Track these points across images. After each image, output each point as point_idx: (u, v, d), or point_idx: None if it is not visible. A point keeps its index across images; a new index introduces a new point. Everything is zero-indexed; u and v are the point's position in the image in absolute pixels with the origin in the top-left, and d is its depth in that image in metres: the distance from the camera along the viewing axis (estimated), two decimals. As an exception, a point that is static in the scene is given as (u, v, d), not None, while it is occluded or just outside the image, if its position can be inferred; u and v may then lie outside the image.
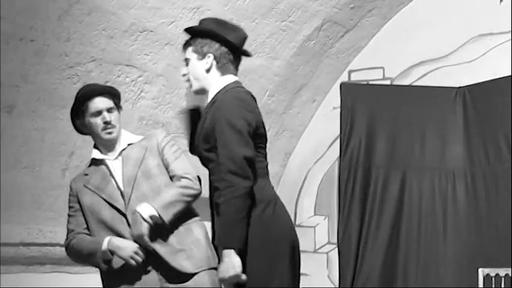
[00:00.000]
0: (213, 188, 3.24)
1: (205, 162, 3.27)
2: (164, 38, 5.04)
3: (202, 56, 3.29)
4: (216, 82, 3.29)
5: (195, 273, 3.46)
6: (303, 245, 6.30)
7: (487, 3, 5.79)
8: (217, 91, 3.27)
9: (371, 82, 6.21)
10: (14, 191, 4.67)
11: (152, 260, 3.45)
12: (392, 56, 6.16)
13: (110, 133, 3.55)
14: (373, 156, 5.63)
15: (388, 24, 6.23)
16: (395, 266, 5.56)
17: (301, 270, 6.61)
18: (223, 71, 3.31)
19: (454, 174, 5.57)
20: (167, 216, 3.42)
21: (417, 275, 5.54)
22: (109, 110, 3.55)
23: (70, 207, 3.70)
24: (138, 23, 4.85)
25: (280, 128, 6.28)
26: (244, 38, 3.41)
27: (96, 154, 3.63)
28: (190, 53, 3.33)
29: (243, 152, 3.07)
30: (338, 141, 5.68)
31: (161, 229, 3.45)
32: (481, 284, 4.90)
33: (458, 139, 5.57)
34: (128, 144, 3.61)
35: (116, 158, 3.59)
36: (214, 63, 3.29)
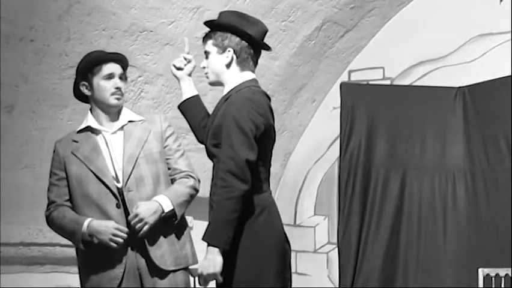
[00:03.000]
0: (211, 184, 3.24)
1: (210, 156, 3.26)
2: (164, 38, 5.04)
3: (223, 50, 3.26)
4: (233, 77, 3.25)
5: (172, 271, 3.43)
6: (303, 245, 6.37)
7: (487, 3, 5.79)
8: (233, 87, 3.23)
9: (371, 82, 6.22)
10: (14, 191, 4.68)
11: (135, 246, 3.40)
12: (392, 56, 6.16)
13: (118, 99, 3.50)
14: (373, 156, 5.63)
15: (388, 24, 6.23)
16: (395, 266, 5.56)
17: (301, 270, 6.63)
18: (242, 66, 3.27)
19: (454, 174, 5.57)
20: (179, 214, 3.42)
21: (417, 275, 5.54)
22: (120, 77, 3.52)
23: (53, 173, 3.54)
24: (138, 23, 4.85)
25: (280, 128, 6.28)
26: (265, 31, 3.39)
27: (93, 123, 3.53)
28: (210, 46, 3.29)
29: (246, 154, 3.05)
30: (338, 141, 5.68)
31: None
32: (481, 284, 4.90)
33: (458, 139, 5.57)
34: (129, 121, 3.56)
35: (115, 132, 3.52)
36: (235, 57, 3.25)
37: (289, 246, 3.34)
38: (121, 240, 3.34)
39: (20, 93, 4.51)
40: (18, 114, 4.56)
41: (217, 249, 3.02)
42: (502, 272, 4.96)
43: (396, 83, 6.15)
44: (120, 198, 3.42)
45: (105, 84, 3.49)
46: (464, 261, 5.39)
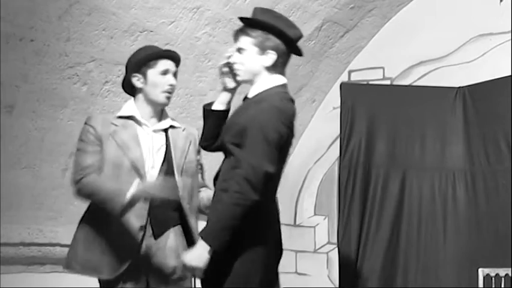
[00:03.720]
0: (220, 178, 3.20)
1: (225, 151, 3.21)
2: (164, 38, 5.04)
3: (263, 50, 3.20)
4: (266, 79, 3.21)
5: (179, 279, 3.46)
6: (303, 245, 6.37)
7: (487, 3, 5.79)
8: (263, 90, 3.19)
9: (371, 82, 6.22)
10: (14, 191, 4.67)
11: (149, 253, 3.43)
12: (392, 56, 6.16)
13: (168, 98, 3.52)
14: (373, 156, 5.63)
15: (388, 24, 6.23)
16: (395, 266, 5.56)
17: (301, 270, 6.62)
18: (276, 69, 3.23)
19: (454, 175, 5.57)
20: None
21: (417, 275, 5.53)
22: (174, 75, 3.55)
23: (85, 142, 3.48)
24: (138, 23, 4.85)
25: (280, 128, 6.28)
26: (301, 36, 3.32)
27: (137, 114, 3.52)
28: (248, 44, 3.20)
29: (267, 167, 3.03)
30: (338, 141, 5.68)
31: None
32: (481, 284, 4.90)
33: (458, 139, 5.57)
34: (171, 126, 3.57)
35: (156, 131, 3.54)
36: (275, 60, 3.21)
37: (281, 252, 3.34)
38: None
39: (20, 93, 4.51)
40: (18, 114, 4.55)
41: (209, 248, 3.01)
42: (502, 272, 4.96)
43: (396, 83, 6.15)
44: None
45: (159, 79, 3.51)
46: (464, 261, 5.39)
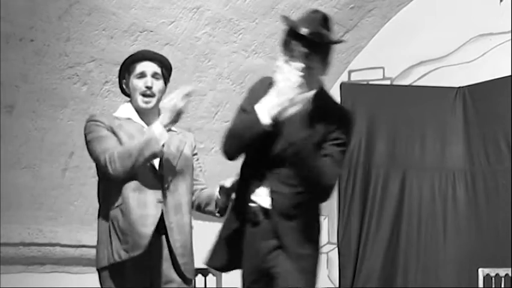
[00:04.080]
0: (283, 168, 3.08)
1: (298, 149, 3.02)
2: (164, 38, 5.04)
3: (326, 67, 3.14)
4: (319, 80, 3.14)
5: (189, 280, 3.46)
6: (303, 245, 6.36)
7: (487, 3, 5.79)
8: (324, 91, 3.15)
9: (371, 82, 6.21)
10: (14, 191, 4.67)
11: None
12: (392, 56, 6.16)
13: (147, 102, 3.49)
14: (373, 156, 5.63)
15: (388, 24, 6.23)
16: (395, 266, 5.56)
17: (301, 270, 6.56)
18: None
19: (454, 175, 5.57)
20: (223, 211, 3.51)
21: (417, 275, 5.54)
22: (154, 76, 3.50)
23: (100, 129, 3.44)
24: (138, 23, 4.85)
25: (280, 128, 6.28)
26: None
27: (134, 116, 3.53)
28: (316, 62, 3.05)
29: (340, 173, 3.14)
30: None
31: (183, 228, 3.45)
32: (481, 284, 4.90)
33: (458, 139, 5.57)
34: (168, 130, 3.53)
35: None
36: None
37: None
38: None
39: (20, 93, 4.51)
40: (18, 114, 4.55)
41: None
42: (502, 272, 4.96)
43: (396, 83, 6.15)
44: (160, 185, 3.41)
45: (136, 82, 3.49)
46: (464, 261, 5.39)
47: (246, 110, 3.06)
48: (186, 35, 5.15)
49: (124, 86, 3.58)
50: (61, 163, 4.88)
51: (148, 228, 3.33)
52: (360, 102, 5.63)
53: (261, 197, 3.10)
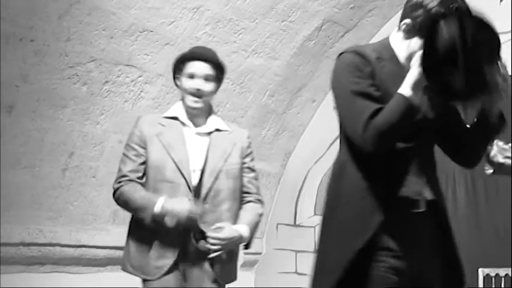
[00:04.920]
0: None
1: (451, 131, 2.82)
2: (164, 38, 5.04)
3: None
4: None
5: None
6: (303, 245, 6.36)
7: (487, 3, 5.78)
8: None
9: (371, 82, 6.21)
10: (14, 191, 4.67)
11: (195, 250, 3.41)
12: (392, 56, 6.15)
13: (196, 102, 3.47)
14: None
15: (388, 24, 6.23)
16: (395, 266, 5.55)
17: (301, 270, 6.59)
18: None
19: (454, 175, 5.57)
20: (251, 245, 3.52)
21: (417, 275, 5.53)
22: (206, 78, 3.48)
23: (130, 147, 3.47)
24: (138, 23, 4.85)
25: (280, 128, 6.28)
26: None
27: (181, 115, 3.50)
28: None
29: None
30: (338, 141, 5.67)
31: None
32: (481, 284, 4.90)
33: (458, 139, 5.56)
34: (216, 129, 3.53)
35: (200, 134, 3.50)
36: None
37: None
38: (196, 217, 3.31)
39: (20, 93, 4.51)
40: (18, 114, 4.55)
41: None
42: (502, 272, 4.96)
43: (396, 83, 6.14)
44: (193, 196, 3.39)
45: (186, 82, 3.48)
46: (464, 261, 5.38)
47: (372, 94, 2.64)
48: (186, 35, 5.15)
49: (177, 83, 3.55)
50: (61, 163, 4.88)
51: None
52: (360, 102, 5.62)
53: (420, 186, 2.79)
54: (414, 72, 2.59)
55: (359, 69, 2.67)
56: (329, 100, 6.40)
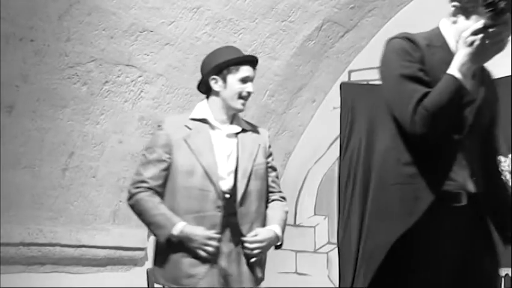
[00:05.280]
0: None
1: (480, 142, 2.83)
2: (164, 38, 5.04)
3: None
4: None
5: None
6: (303, 245, 6.36)
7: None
8: None
9: (371, 82, 6.21)
10: (14, 191, 4.67)
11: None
12: (392, 56, 6.15)
13: (243, 104, 3.49)
14: (373, 156, 5.61)
15: (388, 24, 6.23)
16: (395, 266, 5.55)
17: (301, 270, 6.60)
18: None
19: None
20: (282, 242, 3.55)
21: (417, 275, 5.53)
22: (252, 80, 3.53)
23: (153, 150, 3.42)
24: (138, 23, 4.85)
25: (280, 128, 6.28)
26: None
27: (210, 117, 3.47)
28: None
29: None
30: (338, 141, 5.68)
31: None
32: (481, 284, 4.89)
33: (458, 139, 5.56)
34: (243, 129, 3.54)
35: (229, 135, 3.49)
36: None
37: None
38: (211, 249, 3.29)
39: (20, 93, 4.51)
40: (18, 114, 4.55)
41: None
42: (502, 272, 4.95)
43: (396, 83, 6.14)
44: (222, 202, 3.37)
45: (238, 85, 3.47)
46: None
47: (422, 78, 2.63)
48: (186, 35, 5.15)
49: (210, 82, 3.50)
50: (61, 163, 4.88)
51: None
52: (360, 102, 5.63)
53: (463, 179, 2.73)
54: (462, 52, 2.65)
55: (409, 54, 2.65)
56: (329, 100, 6.42)
